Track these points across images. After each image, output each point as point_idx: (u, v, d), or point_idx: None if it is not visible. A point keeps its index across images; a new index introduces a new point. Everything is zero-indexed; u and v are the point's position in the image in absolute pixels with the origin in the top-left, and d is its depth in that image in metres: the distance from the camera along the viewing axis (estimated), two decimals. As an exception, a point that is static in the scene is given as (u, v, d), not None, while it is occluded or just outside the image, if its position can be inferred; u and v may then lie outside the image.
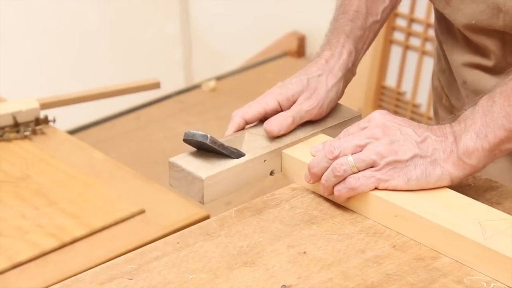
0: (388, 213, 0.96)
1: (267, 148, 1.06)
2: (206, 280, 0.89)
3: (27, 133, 1.59)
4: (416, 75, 2.93)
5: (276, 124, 1.07)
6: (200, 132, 1.00)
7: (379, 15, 1.16)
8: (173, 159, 1.02)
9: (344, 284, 0.88)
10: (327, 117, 1.12)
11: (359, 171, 0.97)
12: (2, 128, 1.59)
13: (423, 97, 2.93)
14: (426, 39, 2.88)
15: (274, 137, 1.07)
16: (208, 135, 1.01)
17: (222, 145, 1.02)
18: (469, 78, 1.16)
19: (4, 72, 2.99)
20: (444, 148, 0.97)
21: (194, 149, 1.04)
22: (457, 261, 0.91)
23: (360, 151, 0.97)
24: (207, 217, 1.36)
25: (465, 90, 1.18)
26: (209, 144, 1.00)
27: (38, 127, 1.61)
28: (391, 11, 1.18)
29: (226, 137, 1.07)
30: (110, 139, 2.94)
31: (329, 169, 0.98)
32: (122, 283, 0.89)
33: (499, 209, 0.95)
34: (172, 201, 1.42)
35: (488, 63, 1.13)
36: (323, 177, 0.99)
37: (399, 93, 2.99)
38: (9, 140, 1.58)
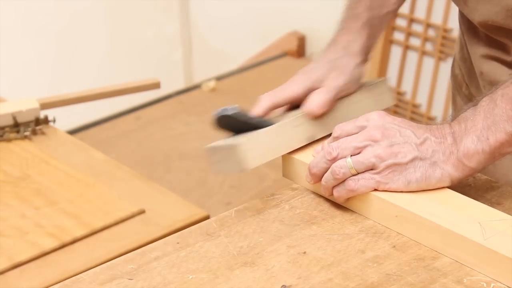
0: (388, 213, 0.96)
1: (298, 114, 1.06)
2: (206, 280, 0.89)
3: (27, 133, 1.59)
4: (416, 75, 2.93)
5: (316, 101, 1.06)
6: (227, 107, 1.03)
7: (392, 6, 1.18)
8: (208, 145, 1.05)
9: (344, 284, 0.88)
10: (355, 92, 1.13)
11: (358, 173, 0.97)
12: (2, 128, 1.59)
13: (423, 97, 2.93)
14: (426, 39, 2.88)
15: (315, 118, 1.06)
16: (236, 106, 1.03)
17: (250, 116, 1.04)
18: (486, 69, 1.16)
19: (4, 72, 2.99)
20: (444, 150, 0.96)
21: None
22: (457, 261, 0.91)
23: (359, 152, 0.97)
24: (207, 217, 1.36)
25: (482, 81, 1.18)
26: (237, 115, 1.02)
27: (38, 127, 1.61)
28: (401, 3, 1.20)
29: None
30: (110, 139, 2.94)
31: (329, 171, 0.98)
32: (122, 283, 0.89)
33: (499, 209, 0.95)
34: (172, 201, 1.42)
35: (507, 57, 1.13)
36: (323, 179, 0.99)
37: (399, 93, 2.99)
38: (9, 140, 1.58)
